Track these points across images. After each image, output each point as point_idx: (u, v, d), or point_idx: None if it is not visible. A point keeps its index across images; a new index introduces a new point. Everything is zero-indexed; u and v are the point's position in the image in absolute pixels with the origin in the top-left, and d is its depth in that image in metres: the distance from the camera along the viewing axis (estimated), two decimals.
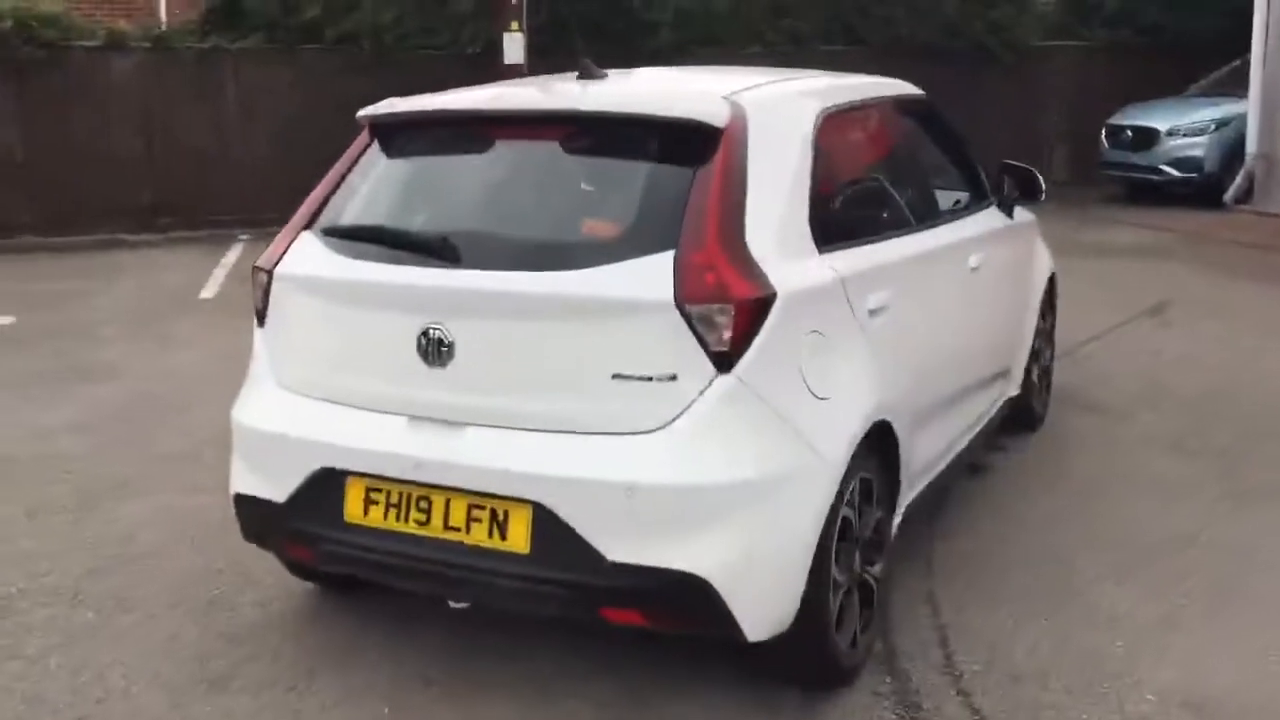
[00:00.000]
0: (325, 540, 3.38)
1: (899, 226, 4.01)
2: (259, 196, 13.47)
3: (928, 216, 4.28)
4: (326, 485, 3.34)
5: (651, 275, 2.99)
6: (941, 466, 4.32)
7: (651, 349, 2.99)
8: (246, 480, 3.54)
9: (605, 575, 3.01)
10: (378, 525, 3.27)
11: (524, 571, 3.10)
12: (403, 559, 3.26)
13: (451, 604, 3.45)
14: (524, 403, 3.11)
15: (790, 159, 3.41)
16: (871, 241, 3.71)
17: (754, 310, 3.02)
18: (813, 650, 3.29)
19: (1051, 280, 5.80)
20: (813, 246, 3.34)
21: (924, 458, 4.05)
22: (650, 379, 2.99)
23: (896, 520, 3.84)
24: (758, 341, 3.03)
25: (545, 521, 3.05)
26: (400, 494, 3.24)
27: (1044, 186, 5.15)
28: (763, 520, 3.03)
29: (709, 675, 3.49)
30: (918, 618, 3.92)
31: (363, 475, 3.28)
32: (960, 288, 4.34)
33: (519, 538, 3.10)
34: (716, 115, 3.25)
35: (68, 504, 4.97)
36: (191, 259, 11.58)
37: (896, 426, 3.62)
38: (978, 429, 4.78)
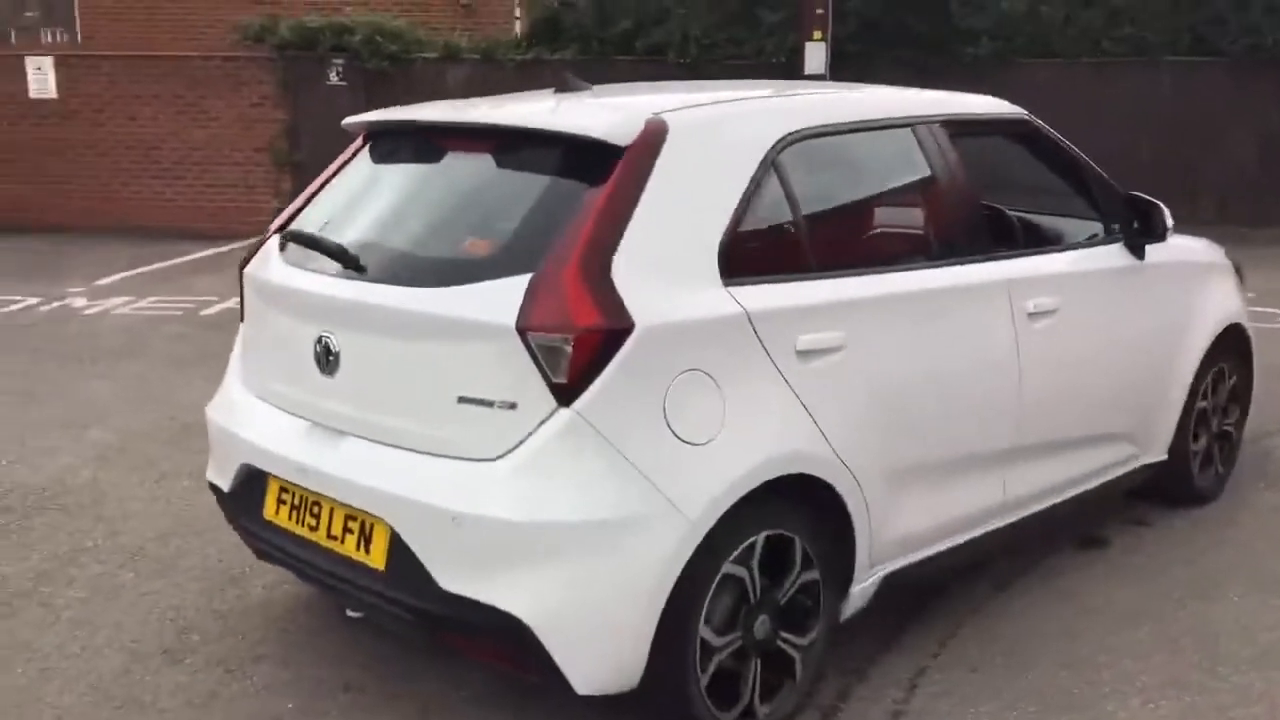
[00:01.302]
0: (253, 534, 3.52)
1: (878, 261, 3.59)
2: None
3: (952, 252, 3.79)
4: (253, 482, 3.47)
5: (503, 298, 2.87)
6: (977, 533, 3.85)
7: (494, 375, 2.87)
8: (211, 469, 3.74)
9: (438, 602, 2.94)
10: (285, 526, 3.36)
11: (379, 588, 3.08)
12: (301, 561, 3.33)
13: (349, 612, 3.48)
14: (388, 418, 3.09)
15: (712, 184, 3.15)
16: (819, 277, 3.33)
17: (599, 342, 2.82)
18: (670, 714, 3.04)
19: (1235, 332, 4.98)
20: (716, 279, 3.06)
21: (924, 522, 3.62)
22: (492, 405, 2.88)
23: (861, 588, 3.46)
24: (604, 376, 2.83)
25: (396, 541, 3.02)
26: (300, 497, 3.31)
27: (1168, 224, 4.42)
28: (591, 567, 2.84)
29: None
30: (879, 700, 3.52)
31: (275, 476, 3.38)
32: (997, 334, 3.81)
33: (379, 554, 3.08)
34: (620, 134, 3.07)
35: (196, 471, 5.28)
36: None
37: (841, 484, 3.26)
38: (1060, 496, 4.21)
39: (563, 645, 2.84)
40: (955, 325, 3.64)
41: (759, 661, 3.19)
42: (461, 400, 2.91)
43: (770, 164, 3.28)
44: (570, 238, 2.93)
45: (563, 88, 3.66)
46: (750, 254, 3.19)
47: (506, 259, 2.98)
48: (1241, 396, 5.16)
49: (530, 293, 2.85)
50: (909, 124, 3.77)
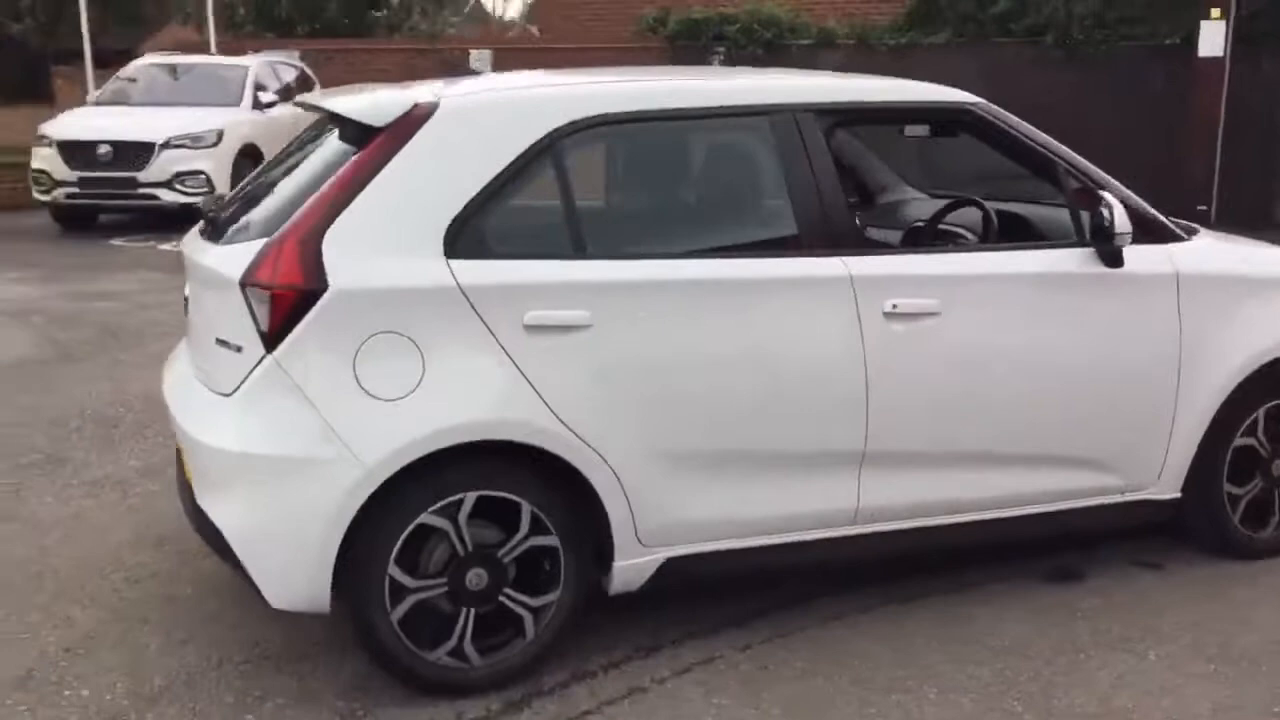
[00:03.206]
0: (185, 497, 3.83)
1: (656, 249, 3.58)
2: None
3: (768, 244, 3.70)
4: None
5: (243, 257, 3.35)
6: (811, 536, 3.76)
7: (232, 321, 3.35)
8: None
9: (197, 515, 3.49)
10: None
11: (189, 505, 3.64)
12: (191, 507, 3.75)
13: None
14: (201, 362, 3.65)
15: (463, 165, 3.37)
16: (575, 259, 3.43)
17: (295, 299, 3.22)
18: (372, 646, 3.37)
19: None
20: (438, 253, 3.31)
21: (725, 513, 3.62)
22: (229, 347, 3.37)
23: (629, 564, 3.56)
24: (298, 329, 3.22)
25: (184, 463, 3.60)
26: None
27: (1114, 229, 3.85)
28: (277, 496, 3.24)
29: None
30: (636, 677, 3.61)
31: None
32: (828, 331, 3.63)
33: (186, 475, 3.66)
34: (377, 115, 3.43)
35: None
36: None
37: (579, 459, 3.40)
38: (970, 515, 3.94)
39: (254, 561, 3.28)
40: (753, 317, 3.55)
41: (472, 611, 3.40)
42: (217, 342, 3.41)
43: (543, 150, 3.44)
44: (306, 207, 3.33)
45: (465, 70, 3.99)
46: (493, 233, 3.39)
47: (265, 224, 3.44)
48: None
49: (259, 253, 3.30)
50: (751, 113, 3.71)
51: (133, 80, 13.83)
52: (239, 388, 3.32)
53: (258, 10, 19.63)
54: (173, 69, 13.99)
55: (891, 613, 4.00)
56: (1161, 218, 4.17)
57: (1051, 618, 3.96)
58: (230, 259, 3.38)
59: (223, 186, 11.71)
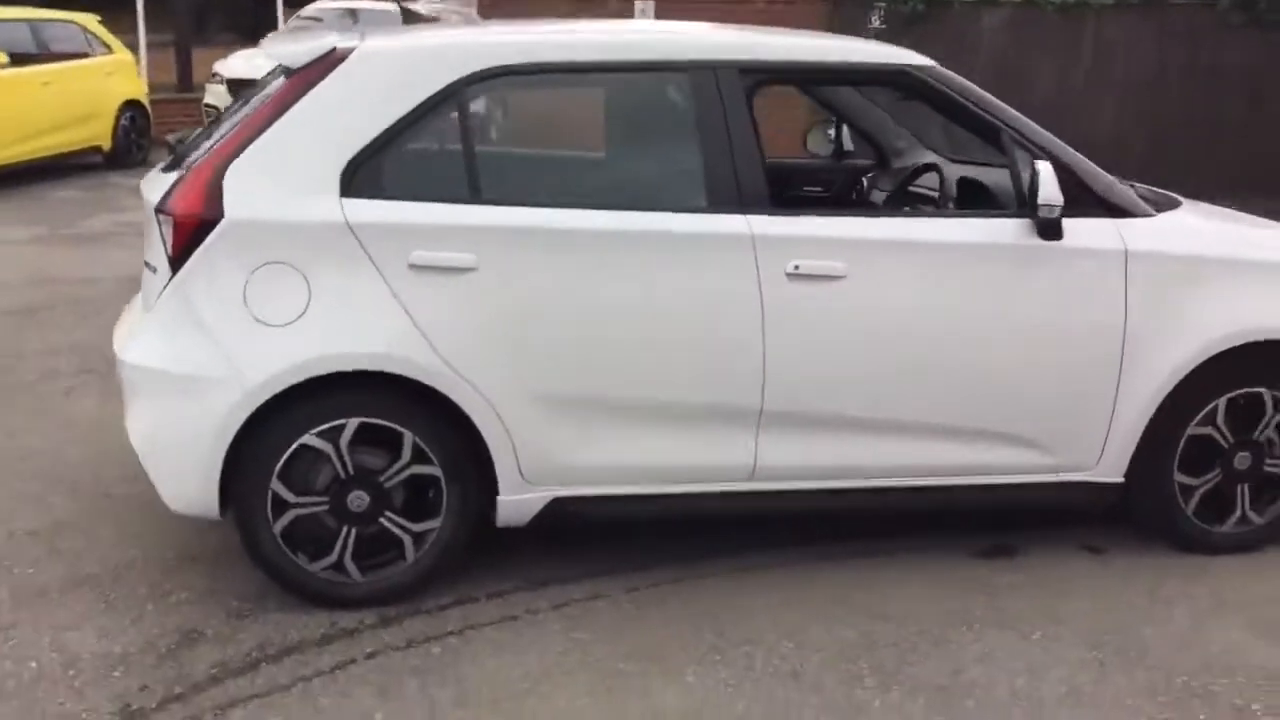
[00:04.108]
0: None
1: (551, 198, 3.66)
2: (1090, 159, 13.31)
3: (663, 200, 3.73)
4: None
5: (165, 186, 3.66)
6: (709, 488, 3.83)
7: (153, 245, 3.67)
8: None
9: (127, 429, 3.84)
10: None
11: None
12: None
13: None
14: (142, 286, 3.96)
15: (367, 110, 3.55)
16: (469, 204, 3.57)
17: (194, 226, 3.50)
18: (257, 555, 3.65)
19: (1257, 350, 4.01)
20: (334, 191, 3.52)
21: (613, 458, 3.74)
22: (149, 268, 3.70)
23: (515, 499, 3.72)
24: (195, 255, 3.51)
25: None
26: None
27: (1044, 199, 3.70)
28: (169, 408, 3.55)
29: None
30: (510, 607, 3.79)
31: None
32: (723, 288, 3.65)
33: None
34: (295, 59, 3.67)
35: None
36: None
37: (458, 394, 3.57)
38: (877, 481, 3.94)
39: (153, 468, 3.60)
40: (644, 269, 3.62)
41: (353, 530, 3.64)
42: (145, 264, 3.74)
43: (446, 97, 3.60)
44: (221, 142, 3.61)
45: (408, 19, 4.19)
46: (389, 174, 3.58)
47: (195, 157, 3.72)
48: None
49: (172, 183, 3.59)
50: (668, 68, 3.76)
51: (317, 20, 14.52)
52: (154, 306, 3.62)
53: None
54: (353, 12, 14.63)
55: (796, 570, 4.04)
56: (1119, 191, 4.00)
57: (955, 590, 3.91)
58: (156, 188, 3.68)
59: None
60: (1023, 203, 3.82)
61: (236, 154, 3.54)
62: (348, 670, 3.39)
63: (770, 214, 3.73)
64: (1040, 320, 3.87)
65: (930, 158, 5.25)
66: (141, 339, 3.63)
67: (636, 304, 3.65)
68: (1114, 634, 3.66)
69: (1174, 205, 4.31)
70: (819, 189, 5.25)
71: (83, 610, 3.69)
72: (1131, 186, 4.47)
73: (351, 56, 3.62)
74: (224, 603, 3.74)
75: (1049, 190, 3.69)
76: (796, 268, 3.69)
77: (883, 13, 14.04)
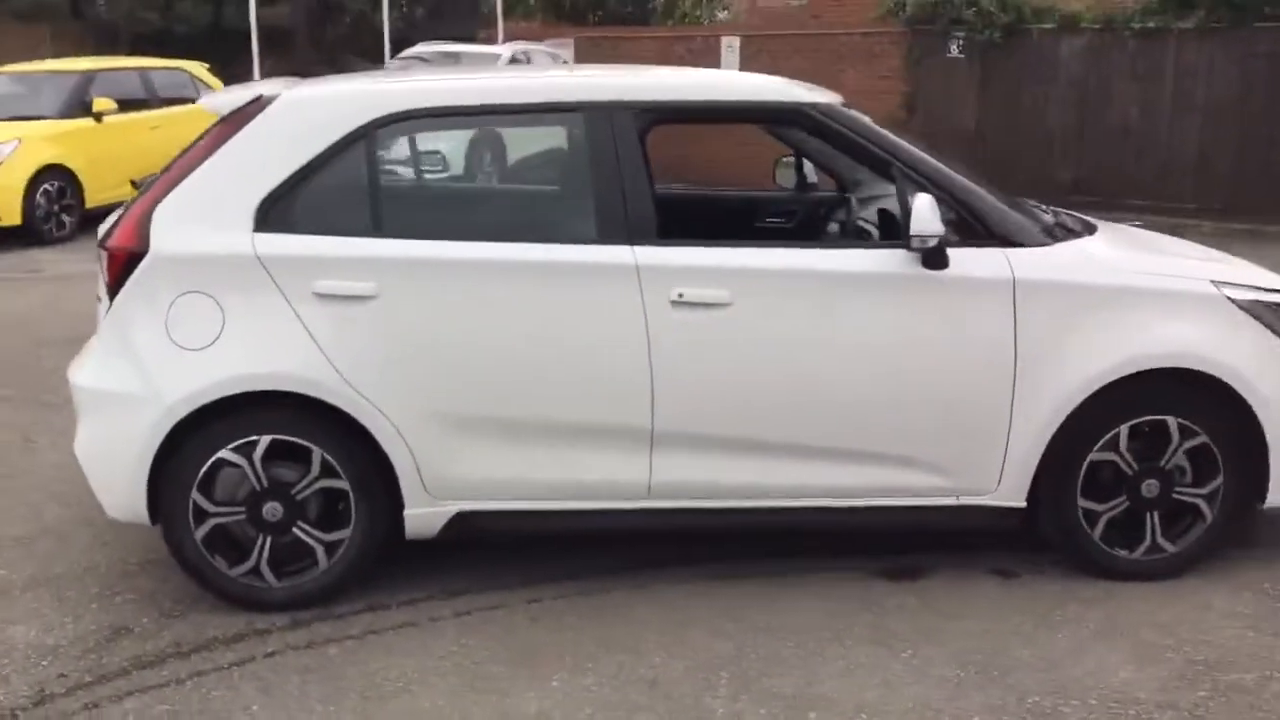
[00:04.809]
0: None
1: (445, 231, 3.92)
2: (1174, 185, 13.15)
3: (554, 233, 3.96)
4: None
5: (111, 223, 4.07)
6: (603, 506, 4.05)
7: (100, 277, 4.09)
8: None
9: None
10: None
11: None
12: None
13: None
14: None
15: (282, 152, 3.89)
16: (371, 237, 3.87)
17: (120, 259, 3.90)
18: (181, 560, 3.99)
19: (1206, 381, 4.03)
20: (247, 226, 3.87)
21: (509, 474, 3.99)
22: (98, 297, 4.11)
23: (420, 513, 4.00)
24: (126, 285, 3.90)
25: None
26: None
27: (914, 228, 3.81)
28: (103, 424, 3.93)
29: None
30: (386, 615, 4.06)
31: None
32: (611, 315, 3.87)
33: None
34: (223, 107, 4.05)
35: None
36: None
37: (360, 413, 3.87)
38: (776, 501, 4.10)
39: (93, 479, 3.99)
40: (534, 297, 3.87)
41: (268, 539, 3.96)
42: (96, 296, 4.15)
43: (356, 140, 3.92)
44: (156, 183, 4.00)
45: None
46: (299, 211, 3.91)
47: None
48: (1231, 461, 4.13)
49: (114, 220, 4.00)
50: (563, 109, 4.02)
51: (422, 59, 15.24)
52: (97, 334, 4.02)
53: (547, 2, 20.90)
54: (445, 54, 15.30)
55: (699, 586, 4.20)
56: (1013, 221, 4.07)
57: (846, 608, 4.03)
58: (106, 225, 4.09)
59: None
60: (905, 233, 3.95)
61: (166, 193, 3.92)
62: (244, 667, 3.69)
63: (656, 245, 3.94)
64: (928, 347, 3.98)
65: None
66: (86, 362, 4.04)
67: (529, 330, 3.90)
68: (986, 654, 3.74)
69: (1087, 232, 4.37)
70: (780, 220, 5.42)
71: (36, 607, 4.09)
72: (1052, 213, 4.55)
73: (273, 104, 3.97)
74: (159, 604, 4.10)
75: (921, 221, 3.81)
76: (680, 296, 3.89)
77: (961, 41, 14.03)
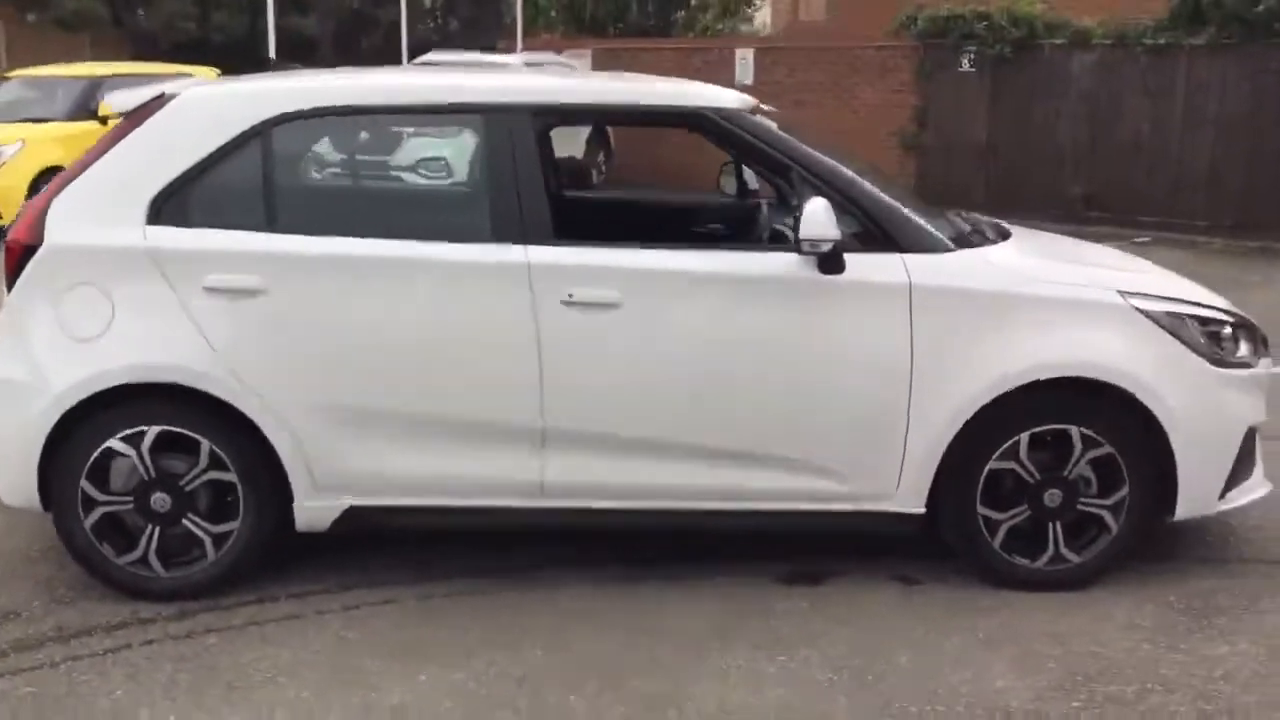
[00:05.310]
0: None
1: (335, 226, 3.91)
2: (1185, 201, 13.00)
3: (442, 231, 3.94)
4: None
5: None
6: (496, 503, 4.04)
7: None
8: None
9: None
10: None
11: None
12: None
13: None
14: None
15: (177, 149, 3.91)
16: (262, 232, 3.87)
17: (18, 252, 3.93)
18: (71, 547, 4.01)
19: (1109, 391, 3.96)
20: (140, 220, 3.90)
21: (402, 470, 3.98)
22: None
23: (311, 505, 4.00)
24: (22, 275, 3.94)
25: None
26: None
27: (803, 232, 3.76)
28: (1, 411, 3.98)
29: None
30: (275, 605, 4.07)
31: None
32: (499, 314, 3.84)
33: None
34: (127, 105, 4.09)
35: None
36: None
37: (247, 406, 3.89)
38: (672, 503, 4.07)
39: None
40: (422, 294, 3.86)
41: (158, 528, 3.98)
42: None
43: (252, 137, 3.94)
44: (57, 178, 4.05)
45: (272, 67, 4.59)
46: (194, 205, 3.92)
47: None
48: (1137, 472, 4.05)
49: (18, 215, 4.05)
50: (461, 110, 4.03)
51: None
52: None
53: (568, 12, 20.97)
54: (448, 64, 15.41)
55: (599, 586, 4.17)
56: (912, 228, 4.01)
57: (737, 612, 3.98)
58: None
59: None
60: (734, 231, 3.92)
61: (64, 188, 3.96)
62: (119, 654, 3.71)
63: (548, 245, 3.92)
64: (822, 351, 3.94)
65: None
66: None
67: (418, 327, 3.90)
68: (866, 659, 3.68)
69: (999, 239, 4.31)
70: (717, 225, 5.39)
71: None
72: (968, 220, 4.50)
73: (173, 101, 4.01)
74: (53, 590, 4.12)
75: (811, 226, 3.77)
76: (571, 296, 3.87)
77: (973, 56, 13.95)
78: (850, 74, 15.28)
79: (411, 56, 18.46)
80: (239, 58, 18.84)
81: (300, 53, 22.48)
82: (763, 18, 28.09)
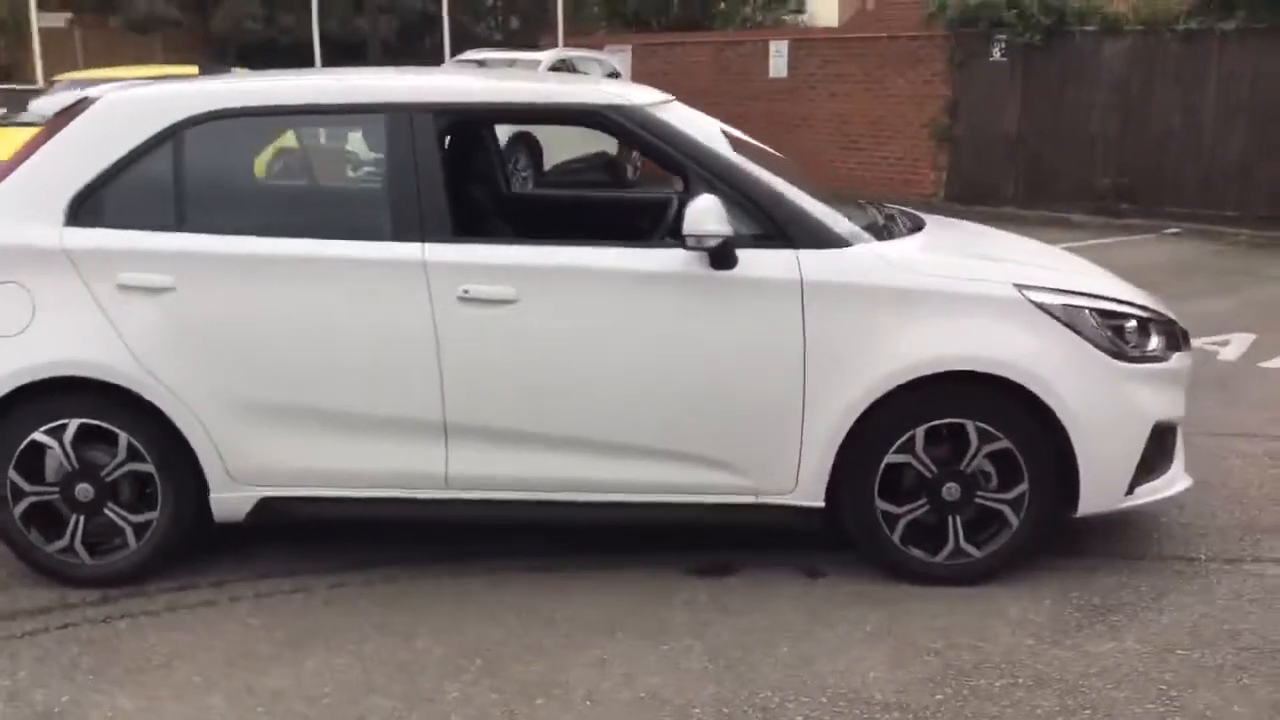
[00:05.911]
0: None
1: (240, 225, 4.05)
2: (1216, 192, 12.77)
3: (343, 229, 4.07)
4: None
5: None
6: (400, 494, 4.17)
7: None
8: None
9: None
10: None
11: None
12: None
13: None
14: None
15: (95, 149, 4.07)
16: (173, 231, 4.04)
17: None
18: (4, 535, 4.21)
19: (1011, 387, 3.96)
20: (58, 220, 4.08)
21: (308, 462, 4.13)
22: None
23: (225, 497, 4.17)
24: None
25: None
26: None
27: (686, 227, 3.84)
28: None
29: None
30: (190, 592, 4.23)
31: None
32: (397, 310, 3.96)
33: None
34: (51, 109, 4.28)
35: None
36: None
37: (159, 400, 4.05)
38: (573, 495, 4.16)
39: None
40: (322, 290, 3.99)
41: (82, 517, 4.17)
42: None
43: (164, 138, 4.10)
44: None
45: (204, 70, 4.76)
46: (109, 206, 4.09)
47: None
48: (1036, 467, 4.06)
49: None
50: (363, 110, 4.16)
51: (476, 62, 15.63)
52: None
53: (610, 8, 21.06)
54: (481, 62, 15.62)
55: (503, 577, 4.26)
56: (809, 223, 4.04)
57: (633, 602, 4.06)
58: None
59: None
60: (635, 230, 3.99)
61: None
62: (34, 638, 3.89)
63: (445, 242, 4.03)
64: (715, 346, 4.00)
65: None
66: None
67: (321, 322, 4.03)
68: (745, 649, 3.74)
69: (910, 232, 4.34)
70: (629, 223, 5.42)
71: None
72: (881, 211, 4.53)
73: (94, 105, 4.19)
74: (6, 580, 4.31)
75: (695, 221, 3.83)
76: (466, 292, 3.98)
77: (1004, 44, 13.81)
78: (882, 65, 15.20)
79: (455, 53, 18.73)
80: (302, 60, 19.25)
81: (355, 52, 22.80)
82: (819, 8, 27.94)
